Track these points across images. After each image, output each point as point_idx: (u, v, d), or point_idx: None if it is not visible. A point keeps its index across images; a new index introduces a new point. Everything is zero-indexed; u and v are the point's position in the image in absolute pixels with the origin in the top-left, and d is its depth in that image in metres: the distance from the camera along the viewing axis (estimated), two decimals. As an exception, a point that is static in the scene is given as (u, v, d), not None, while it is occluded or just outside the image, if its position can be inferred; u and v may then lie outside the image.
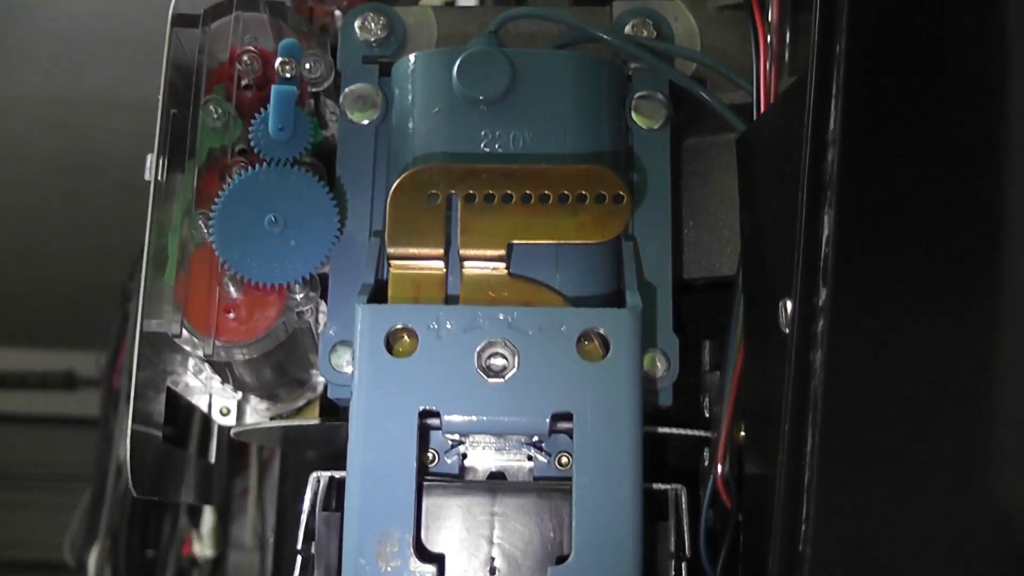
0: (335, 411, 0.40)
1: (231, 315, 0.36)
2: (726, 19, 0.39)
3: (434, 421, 0.33)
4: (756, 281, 0.35)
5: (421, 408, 0.33)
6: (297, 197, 0.35)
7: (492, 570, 0.33)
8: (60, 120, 1.09)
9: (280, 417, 0.45)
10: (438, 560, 0.32)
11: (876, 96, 0.29)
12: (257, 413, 0.47)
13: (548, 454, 0.35)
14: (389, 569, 0.32)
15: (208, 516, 0.92)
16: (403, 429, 0.33)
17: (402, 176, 0.35)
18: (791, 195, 0.31)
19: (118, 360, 0.93)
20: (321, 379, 0.40)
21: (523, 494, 0.34)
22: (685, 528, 0.35)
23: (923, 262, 0.29)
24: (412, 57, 0.37)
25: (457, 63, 0.36)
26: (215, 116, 0.37)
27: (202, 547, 0.91)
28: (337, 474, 0.36)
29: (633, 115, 0.38)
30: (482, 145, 0.36)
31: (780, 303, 0.32)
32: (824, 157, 0.30)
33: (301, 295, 0.36)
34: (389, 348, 0.33)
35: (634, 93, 0.38)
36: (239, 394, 0.44)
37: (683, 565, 0.35)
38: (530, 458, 0.36)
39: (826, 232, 0.29)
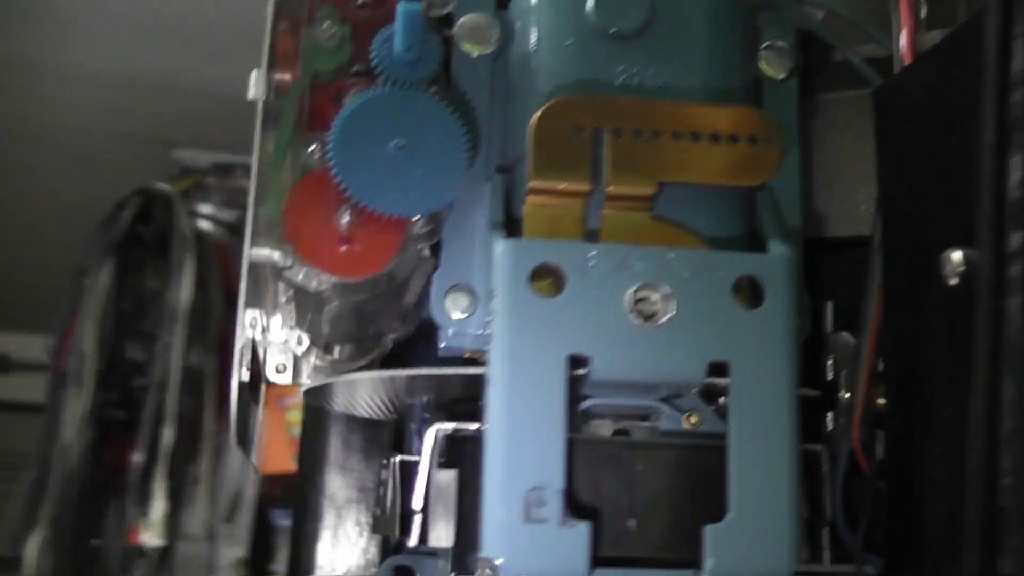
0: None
1: (344, 248, 0.33)
2: (848, -27, 0.38)
3: (579, 370, 0.30)
4: (901, 236, 0.33)
5: (570, 353, 0.30)
6: (424, 123, 0.32)
7: (643, 528, 0.31)
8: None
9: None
10: (589, 516, 0.30)
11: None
12: (317, 371, 0.44)
13: (680, 411, 0.33)
14: (538, 525, 0.29)
15: (158, 504, 0.86)
16: (552, 375, 0.30)
17: (546, 106, 0.32)
18: (956, 144, 0.30)
19: (68, 340, 0.87)
20: (391, 339, 0.37)
21: (668, 450, 0.32)
22: (825, 492, 0.33)
23: None
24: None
25: (596, -12, 0.34)
26: (328, 34, 0.34)
27: (151, 536, 0.85)
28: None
29: (762, 64, 0.36)
30: (618, 80, 0.34)
31: (942, 255, 0.30)
32: (1007, 98, 0.29)
33: (425, 230, 0.33)
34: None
35: (762, 42, 0.36)
36: (302, 348, 0.40)
37: (824, 531, 0.33)
38: (644, 419, 0.34)
39: (1016, 175, 0.28)
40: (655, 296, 0.31)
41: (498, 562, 0.29)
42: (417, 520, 0.32)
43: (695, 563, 0.30)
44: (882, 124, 0.34)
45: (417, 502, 0.33)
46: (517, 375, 0.30)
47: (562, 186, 0.32)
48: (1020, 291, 0.27)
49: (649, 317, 0.31)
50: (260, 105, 0.33)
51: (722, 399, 0.32)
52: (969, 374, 0.28)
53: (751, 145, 0.32)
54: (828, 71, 0.37)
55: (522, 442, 0.30)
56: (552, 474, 0.29)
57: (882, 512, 0.33)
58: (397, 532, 0.35)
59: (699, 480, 0.31)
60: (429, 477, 0.33)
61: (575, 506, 0.30)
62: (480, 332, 0.33)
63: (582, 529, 0.29)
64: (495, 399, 0.30)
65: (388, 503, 0.42)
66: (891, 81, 0.35)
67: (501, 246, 0.31)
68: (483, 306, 0.34)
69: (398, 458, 0.36)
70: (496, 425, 0.30)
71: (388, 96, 0.32)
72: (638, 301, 0.31)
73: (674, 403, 0.33)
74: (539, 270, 0.31)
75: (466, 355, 0.34)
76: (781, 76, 0.36)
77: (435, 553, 0.48)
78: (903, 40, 0.35)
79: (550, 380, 0.30)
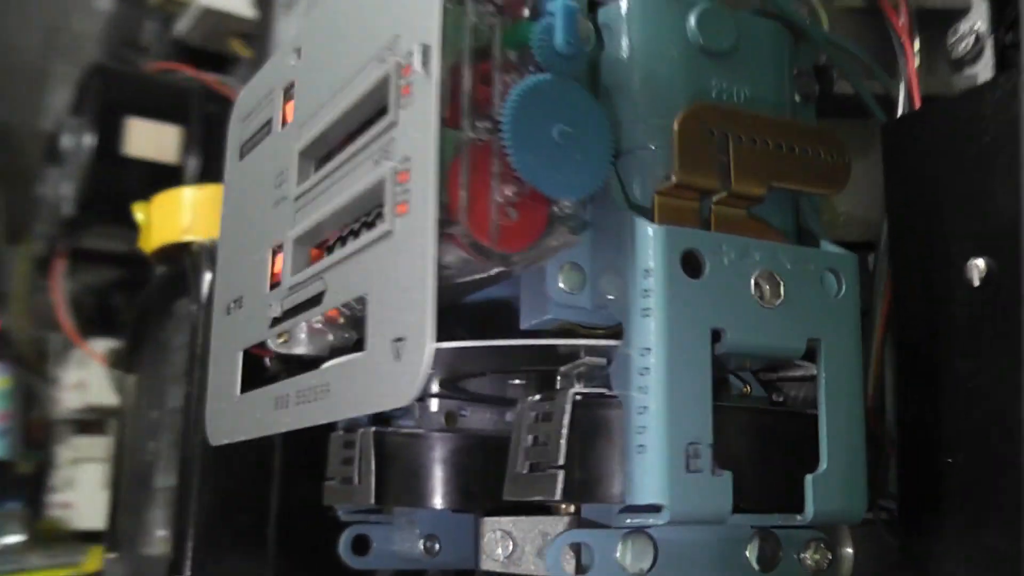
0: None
1: (503, 222, 0.35)
2: (847, 21, 0.45)
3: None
4: (915, 246, 0.41)
5: (712, 327, 0.35)
6: (579, 112, 0.35)
7: (764, 480, 0.36)
8: None
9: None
10: (729, 469, 0.35)
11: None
12: (312, 342, 0.44)
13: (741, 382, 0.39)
14: (695, 475, 0.34)
15: None
16: (702, 346, 0.35)
17: (688, 109, 0.37)
18: (981, 173, 0.39)
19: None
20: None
21: (764, 415, 0.37)
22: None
23: None
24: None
25: (697, 14, 0.39)
26: (481, 14, 0.35)
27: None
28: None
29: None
30: (712, 94, 0.39)
31: (968, 263, 0.38)
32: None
33: (569, 212, 0.36)
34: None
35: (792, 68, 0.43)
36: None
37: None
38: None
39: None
40: (769, 283, 0.36)
41: (664, 504, 0.33)
42: (560, 477, 0.35)
43: (800, 508, 0.36)
44: (894, 153, 0.42)
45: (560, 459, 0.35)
46: (676, 345, 0.34)
47: (700, 182, 0.36)
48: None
49: (766, 301, 0.36)
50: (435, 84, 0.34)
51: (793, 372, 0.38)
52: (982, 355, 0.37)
53: (831, 158, 0.39)
54: (832, 102, 0.44)
55: (683, 403, 0.34)
56: (704, 431, 0.34)
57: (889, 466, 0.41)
58: (372, 499, 0.40)
59: (794, 440, 0.37)
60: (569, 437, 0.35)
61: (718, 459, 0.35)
62: (590, 307, 0.37)
63: (727, 477, 0.34)
64: (658, 367, 0.34)
65: (359, 472, 0.44)
66: (900, 121, 0.42)
67: (653, 230, 0.35)
68: (591, 283, 0.37)
69: (372, 428, 0.41)
70: (658, 388, 0.34)
71: (553, 83, 0.35)
72: (756, 285, 0.36)
73: (738, 375, 0.39)
74: (684, 254, 0.35)
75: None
76: (801, 100, 0.43)
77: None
78: (909, 80, 0.43)
79: (700, 350, 0.35)
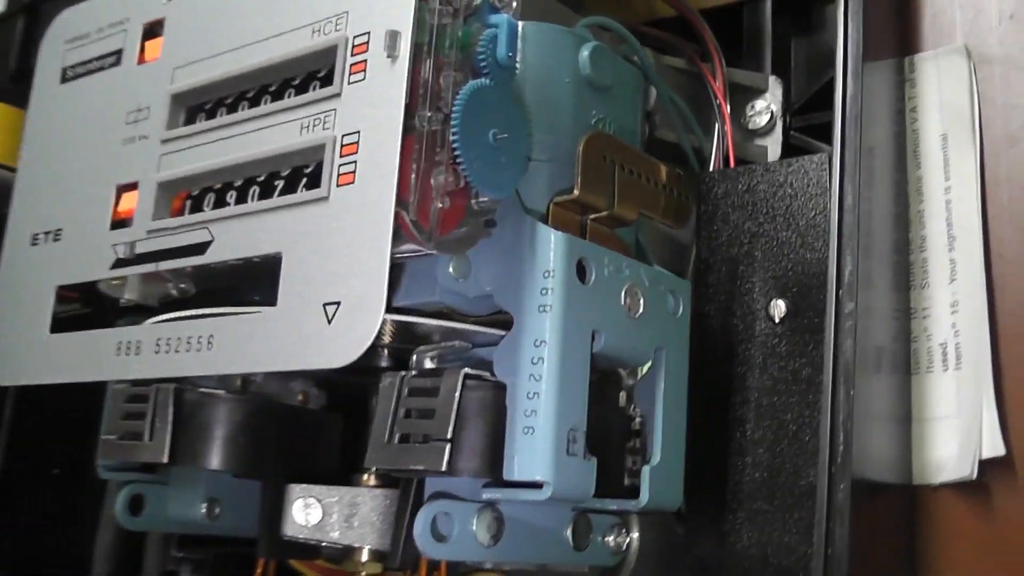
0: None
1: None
2: (671, 78, 0.52)
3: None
4: (719, 282, 0.48)
5: (593, 328, 0.39)
6: (509, 118, 0.38)
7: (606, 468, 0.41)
8: None
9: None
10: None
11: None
12: (145, 289, 0.44)
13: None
14: (573, 457, 0.38)
15: None
16: (586, 343, 0.39)
17: (590, 136, 0.41)
18: (787, 232, 0.47)
19: None
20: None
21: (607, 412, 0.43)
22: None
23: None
24: (529, 24, 0.43)
25: (590, 49, 0.43)
26: (442, 13, 0.37)
27: None
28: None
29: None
30: (592, 122, 0.44)
31: (771, 302, 0.46)
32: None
33: (489, 207, 0.38)
34: (574, 275, 0.39)
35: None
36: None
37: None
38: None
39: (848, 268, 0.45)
40: (633, 295, 0.42)
41: (548, 481, 0.37)
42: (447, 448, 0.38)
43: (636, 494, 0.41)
44: (706, 202, 0.49)
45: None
46: (567, 341, 0.38)
47: (597, 202, 0.41)
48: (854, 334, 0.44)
49: (631, 310, 0.41)
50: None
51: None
52: (777, 378, 0.45)
53: (683, 198, 0.45)
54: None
55: (569, 392, 0.38)
56: (582, 419, 0.39)
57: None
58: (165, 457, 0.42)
59: (623, 435, 0.43)
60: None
61: (587, 447, 0.39)
62: (470, 295, 0.40)
63: (593, 463, 0.39)
64: (551, 358, 0.38)
65: (151, 428, 0.45)
66: (719, 174, 0.49)
67: (555, 237, 0.39)
68: (475, 274, 0.40)
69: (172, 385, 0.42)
70: (550, 377, 0.38)
71: (494, 89, 0.38)
72: (625, 297, 0.41)
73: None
74: (578, 261, 0.39)
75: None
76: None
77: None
78: (725, 139, 0.50)
79: (584, 347, 0.39)
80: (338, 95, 0.37)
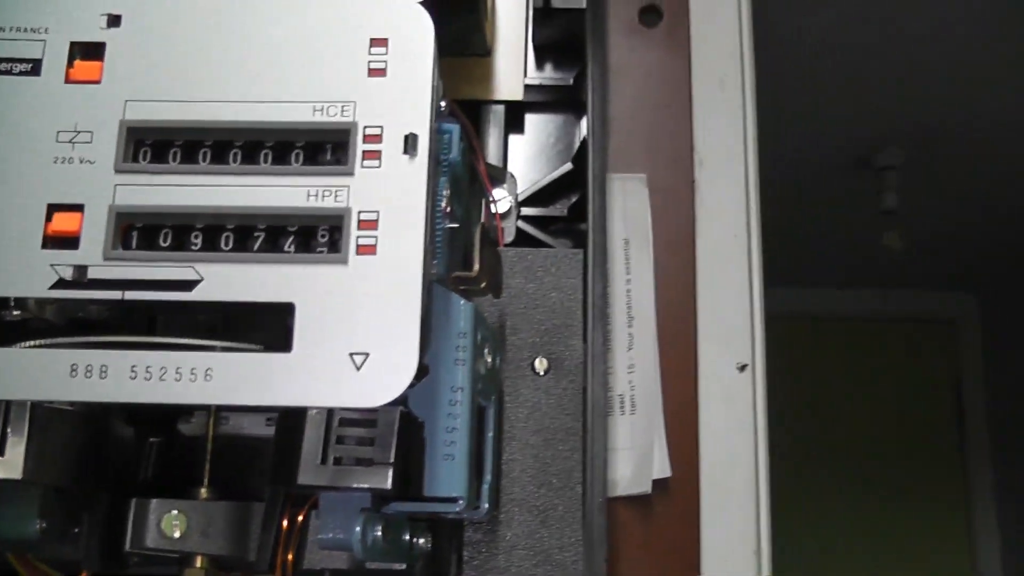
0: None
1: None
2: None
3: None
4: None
5: (478, 380, 0.51)
6: (459, 202, 0.49)
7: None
8: None
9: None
10: (474, 474, 0.51)
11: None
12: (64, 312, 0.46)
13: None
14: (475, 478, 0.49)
15: None
16: (474, 391, 0.50)
17: (481, 226, 0.52)
18: (545, 309, 0.62)
19: None
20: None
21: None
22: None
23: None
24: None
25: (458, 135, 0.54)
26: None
27: None
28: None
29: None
30: (442, 203, 0.55)
31: (536, 359, 0.61)
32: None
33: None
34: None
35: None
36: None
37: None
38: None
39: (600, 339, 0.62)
40: (491, 353, 0.54)
41: (462, 496, 0.48)
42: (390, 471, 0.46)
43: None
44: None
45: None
46: (472, 387, 0.49)
47: (479, 278, 0.52)
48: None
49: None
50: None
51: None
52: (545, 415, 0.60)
53: (500, 270, 0.58)
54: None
55: (472, 427, 0.49)
56: (473, 447, 0.50)
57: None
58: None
59: (472, 456, 0.54)
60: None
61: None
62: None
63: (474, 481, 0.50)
64: (464, 401, 0.49)
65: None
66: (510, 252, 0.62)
67: (465, 305, 0.50)
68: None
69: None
70: (465, 415, 0.49)
71: (455, 179, 0.48)
72: (487, 354, 0.53)
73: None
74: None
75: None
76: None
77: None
78: (495, 218, 0.63)
79: (474, 393, 0.50)
80: (351, 174, 0.44)
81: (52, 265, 0.44)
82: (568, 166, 0.68)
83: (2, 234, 0.44)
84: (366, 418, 0.47)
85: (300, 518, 0.52)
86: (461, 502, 0.48)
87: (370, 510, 0.48)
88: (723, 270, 0.72)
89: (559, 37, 0.70)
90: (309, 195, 0.44)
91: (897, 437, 2.25)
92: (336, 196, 0.44)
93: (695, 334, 0.70)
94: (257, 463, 0.56)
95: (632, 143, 0.72)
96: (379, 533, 0.48)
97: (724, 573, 0.67)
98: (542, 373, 0.61)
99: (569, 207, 0.68)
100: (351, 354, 0.43)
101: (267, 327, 0.45)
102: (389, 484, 0.46)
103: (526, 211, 0.68)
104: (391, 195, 0.44)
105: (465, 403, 0.49)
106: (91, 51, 0.46)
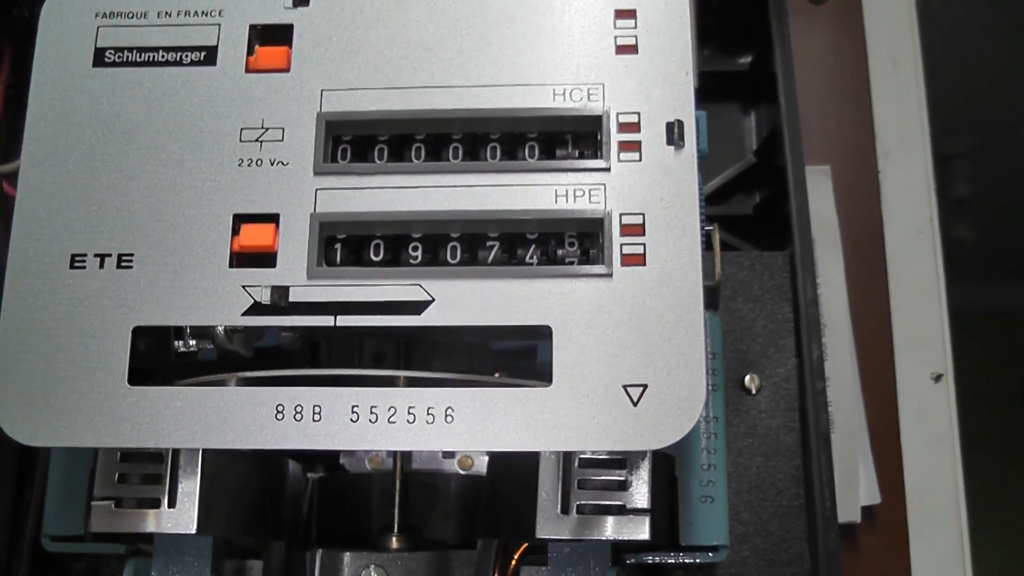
0: None
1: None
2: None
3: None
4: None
5: (724, 405, 0.43)
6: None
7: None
8: None
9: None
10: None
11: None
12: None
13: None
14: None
15: None
16: (728, 419, 0.43)
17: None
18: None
19: None
20: None
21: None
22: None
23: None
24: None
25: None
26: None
27: None
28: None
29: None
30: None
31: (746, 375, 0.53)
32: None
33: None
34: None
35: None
36: None
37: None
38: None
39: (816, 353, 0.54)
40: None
41: (723, 545, 0.40)
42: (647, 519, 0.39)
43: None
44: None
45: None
46: (727, 419, 0.42)
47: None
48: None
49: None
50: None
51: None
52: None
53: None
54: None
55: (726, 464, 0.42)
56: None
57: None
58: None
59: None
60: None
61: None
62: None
63: (727, 528, 0.43)
64: (721, 433, 0.41)
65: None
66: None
67: (715, 321, 0.42)
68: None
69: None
70: (722, 450, 0.41)
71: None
72: (719, 374, 0.46)
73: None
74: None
75: None
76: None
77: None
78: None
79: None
80: (607, 170, 0.37)
81: (244, 287, 0.36)
82: (751, 159, 0.60)
83: (182, 252, 0.37)
84: (612, 459, 0.39)
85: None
86: (723, 551, 0.41)
87: (617, 565, 0.40)
88: (911, 270, 0.64)
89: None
90: (557, 196, 0.37)
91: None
92: (591, 196, 0.37)
93: (891, 343, 0.62)
94: (438, 503, 0.49)
95: (808, 131, 0.65)
96: (622, 581, 0.41)
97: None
98: (754, 391, 0.53)
99: (755, 206, 0.60)
100: (625, 387, 0.35)
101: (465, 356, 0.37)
102: (646, 534, 0.38)
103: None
104: (657, 194, 0.36)
105: (721, 434, 0.41)
106: (275, 34, 0.39)
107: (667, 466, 0.41)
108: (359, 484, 0.49)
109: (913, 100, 0.66)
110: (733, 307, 0.54)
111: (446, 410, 0.35)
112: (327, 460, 0.50)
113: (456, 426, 0.35)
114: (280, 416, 0.35)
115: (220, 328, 0.36)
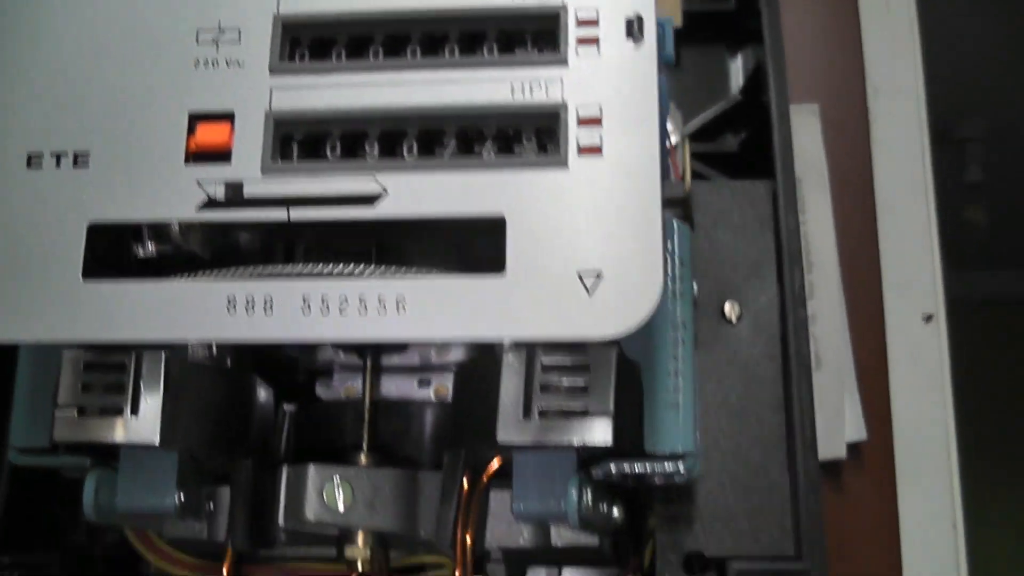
0: None
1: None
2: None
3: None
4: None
5: (693, 317, 0.43)
6: (661, 113, 0.41)
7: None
8: None
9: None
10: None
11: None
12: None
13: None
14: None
15: None
16: (697, 330, 0.42)
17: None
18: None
19: None
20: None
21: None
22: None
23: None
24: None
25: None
26: None
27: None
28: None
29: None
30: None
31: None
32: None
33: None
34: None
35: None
36: None
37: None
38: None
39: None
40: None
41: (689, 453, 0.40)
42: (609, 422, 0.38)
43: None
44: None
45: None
46: (694, 324, 0.41)
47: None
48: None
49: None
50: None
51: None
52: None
53: (695, 205, 0.49)
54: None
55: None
56: (696, 400, 0.42)
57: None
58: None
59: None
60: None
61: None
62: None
63: (696, 440, 0.42)
64: (689, 341, 0.40)
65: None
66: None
67: (683, 229, 0.42)
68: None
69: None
70: (688, 357, 0.40)
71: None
72: (691, 290, 0.45)
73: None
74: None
75: None
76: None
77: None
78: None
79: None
80: (564, 63, 0.36)
81: (199, 182, 0.36)
82: (737, 97, 0.60)
83: (138, 150, 0.37)
84: (575, 363, 0.39)
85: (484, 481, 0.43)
86: (688, 460, 0.40)
87: (588, 482, 0.40)
88: (902, 211, 0.63)
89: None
90: (514, 90, 0.36)
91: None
92: (548, 90, 0.36)
93: (880, 284, 0.61)
94: (412, 431, 0.49)
95: (797, 71, 0.64)
96: (589, 500, 0.40)
97: (923, 548, 0.58)
98: (734, 320, 0.52)
99: (740, 143, 0.60)
100: (579, 274, 0.34)
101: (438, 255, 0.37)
102: (609, 438, 0.38)
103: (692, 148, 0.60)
104: (615, 87, 0.36)
105: (689, 342, 0.41)
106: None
107: (633, 374, 0.40)
108: (332, 412, 0.49)
109: (906, 40, 0.65)
110: (714, 236, 0.53)
111: (398, 299, 0.35)
112: (303, 391, 0.50)
113: (408, 315, 0.34)
114: (232, 309, 0.35)
115: (176, 226, 0.36)
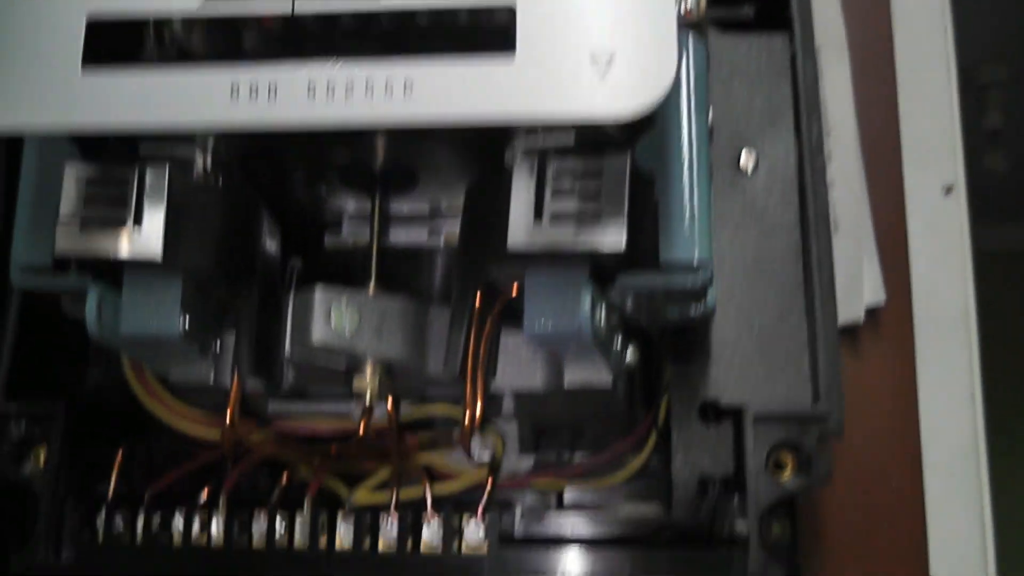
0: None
1: None
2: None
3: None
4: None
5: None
6: None
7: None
8: None
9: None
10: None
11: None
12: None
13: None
14: (711, 251, 0.40)
15: None
16: (712, 149, 0.41)
17: None
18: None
19: None
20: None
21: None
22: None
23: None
24: None
25: None
26: None
27: None
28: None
29: None
30: None
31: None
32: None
33: None
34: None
35: None
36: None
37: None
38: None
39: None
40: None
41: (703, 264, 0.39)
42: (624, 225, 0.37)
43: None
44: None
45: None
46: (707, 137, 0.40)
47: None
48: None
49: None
50: None
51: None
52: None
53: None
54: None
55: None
56: (711, 219, 0.41)
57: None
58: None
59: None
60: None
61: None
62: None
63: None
64: (703, 151, 0.39)
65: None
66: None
67: (696, 38, 0.40)
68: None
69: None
70: (704, 168, 0.39)
71: None
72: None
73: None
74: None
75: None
76: None
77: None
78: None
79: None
80: None
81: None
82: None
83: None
84: (588, 169, 0.38)
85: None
86: (704, 272, 0.39)
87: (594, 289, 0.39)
88: (923, 82, 0.62)
89: None
90: None
91: None
92: None
93: (899, 157, 0.60)
94: (422, 278, 0.48)
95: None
96: (603, 319, 0.39)
97: (941, 414, 0.57)
98: (750, 171, 0.51)
99: (757, 10, 0.58)
100: (591, 55, 0.33)
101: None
102: (623, 242, 0.37)
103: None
104: None
105: (704, 153, 0.40)
106: None
107: (647, 185, 0.39)
108: (340, 259, 0.48)
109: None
110: (730, 88, 0.52)
111: (405, 82, 0.34)
112: (311, 244, 0.49)
113: (416, 98, 0.33)
114: (235, 95, 0.34)
115: (178, 23, 0.35)
